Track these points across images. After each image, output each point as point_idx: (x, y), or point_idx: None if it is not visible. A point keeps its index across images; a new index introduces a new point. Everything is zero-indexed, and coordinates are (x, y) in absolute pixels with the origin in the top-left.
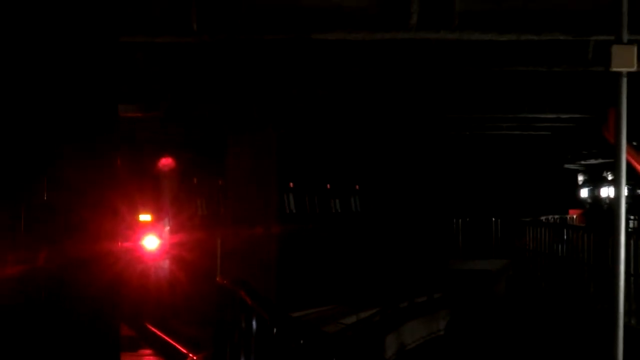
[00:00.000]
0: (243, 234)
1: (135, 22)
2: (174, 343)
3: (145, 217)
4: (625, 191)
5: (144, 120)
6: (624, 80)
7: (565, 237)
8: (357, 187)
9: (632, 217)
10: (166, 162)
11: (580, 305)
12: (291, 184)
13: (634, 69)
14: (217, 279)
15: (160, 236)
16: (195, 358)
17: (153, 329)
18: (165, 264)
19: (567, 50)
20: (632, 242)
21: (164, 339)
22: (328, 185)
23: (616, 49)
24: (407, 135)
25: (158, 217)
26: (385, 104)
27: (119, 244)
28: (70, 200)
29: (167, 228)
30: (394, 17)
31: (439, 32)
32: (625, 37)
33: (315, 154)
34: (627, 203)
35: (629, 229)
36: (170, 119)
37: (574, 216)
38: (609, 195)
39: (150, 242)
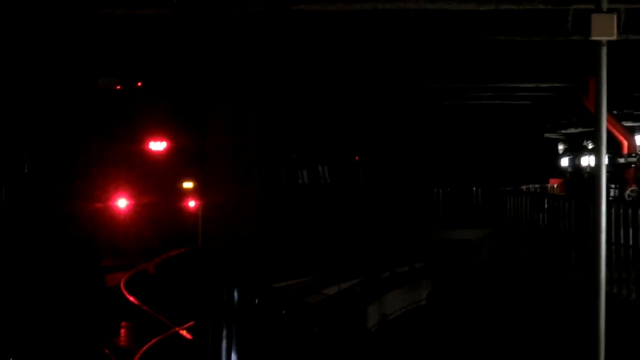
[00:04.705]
0: (222, 201)
1: None
2: (157, 315)
3: (118, 183)
4: (605, 160)
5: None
6: (604, 49)
7: (545, 206)
8: (339, 158)
9: (612, 185)
10: (141, 134)
11: (562, 274)
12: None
13: (614, 37)
14: (199, 247)
15: (129, 198)
16: (177, 330)
17: (134, 300)
18: (132, 218)
19: (547, 20)
20: (612, 210)
21: (146, 311)
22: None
23: (596, 18)
24: (388, 107)
25: (128, 182)
26: (366, 76)
27: (97, 204)
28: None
29: (136, 191)
30: None
31: (419, 2)
32: (605, 5)
33: (298, 127)
34: (607, 172)
35: (610, 198)
36: (151, 91)
37: (555, 185)
38: (589, 164)
39: (122, 203)
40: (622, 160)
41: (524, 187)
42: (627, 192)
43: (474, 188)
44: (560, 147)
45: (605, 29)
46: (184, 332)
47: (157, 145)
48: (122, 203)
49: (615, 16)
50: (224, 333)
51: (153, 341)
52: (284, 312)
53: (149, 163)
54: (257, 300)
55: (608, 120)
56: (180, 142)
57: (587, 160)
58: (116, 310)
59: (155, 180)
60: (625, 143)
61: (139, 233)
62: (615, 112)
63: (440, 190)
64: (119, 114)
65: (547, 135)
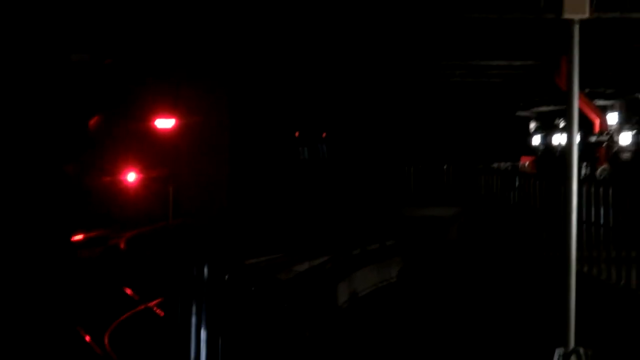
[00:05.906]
0: (194, 178)
1: None
2: (128, 292)
3: (127, 159)
4: (577, 138)
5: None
6: (577, 28)
7: (516, 184)
8: (322, 136)
9: (584, 164)
10: (142, 116)
11: (533, 252)
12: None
13: (586, 16)
14: (169, 221)
15: (138, 172)
16: (147, 305)
17: (112, 278)
18: (141, 191)
19: None
20: (584, 189)
21: (120, 288)
22: (297, 134)
23: None
24: (358, 86)
25: (136, 159)
26: (336, 54)
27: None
28: None
29: (143, 167)
30: None
31: None
32: None
33: (270, 108)
34: (579, 150)
35: (581, 177)
36: (122, 68)
37: (526, 163)
38: (560, 143)
39: (131, 177)
40: (593, 139)
41: (495, 165)
42: (599, 170)
43: (445, 166)
44: (532, 125)
45: (578, 8)
46: (154, 308)
47: (164, 123)
48: (131, 177)
49: None
50: (194, 309)
51: (122, 317)
52: (253, 288)
53: (156, 139)
54: (227, 277)
55: (580, 99)
56: (185, 119)
57: (559, 139)
58: (90, 286)
59: (162, 155)
60: (597, 121)
61: (146, 205)
62: (587, 90)
63: (412, 168)
64: (125, 92)
65: (519, 113)
